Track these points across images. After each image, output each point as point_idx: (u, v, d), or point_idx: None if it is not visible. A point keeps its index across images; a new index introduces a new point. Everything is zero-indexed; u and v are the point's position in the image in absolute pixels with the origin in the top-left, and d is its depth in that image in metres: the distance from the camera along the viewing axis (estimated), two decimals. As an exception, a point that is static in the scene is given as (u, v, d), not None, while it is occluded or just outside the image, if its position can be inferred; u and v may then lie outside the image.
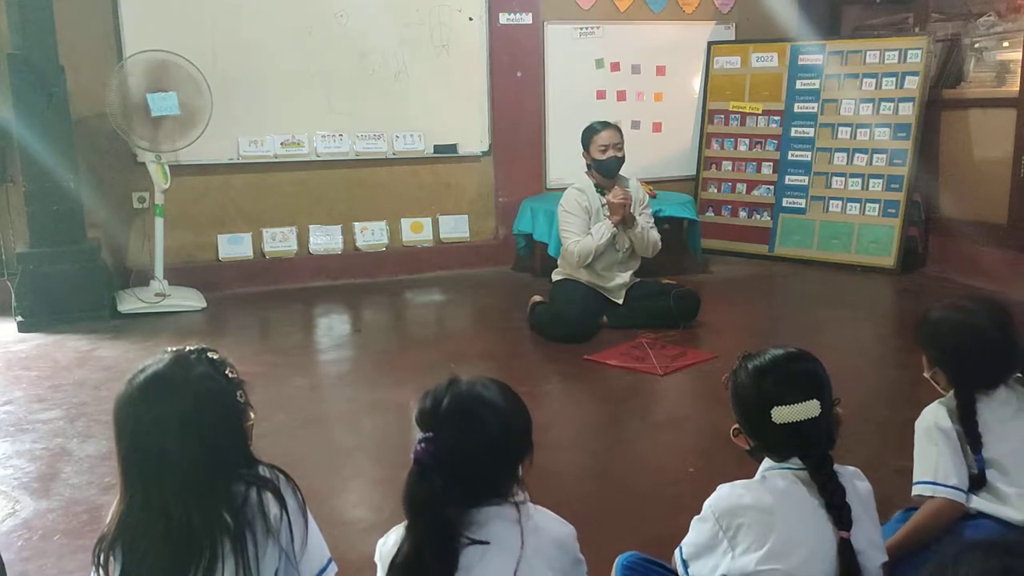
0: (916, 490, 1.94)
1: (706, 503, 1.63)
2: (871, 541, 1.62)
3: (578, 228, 4.39)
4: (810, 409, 1.58)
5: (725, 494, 1.61)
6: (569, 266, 4.52)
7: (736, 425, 1.71)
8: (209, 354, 1.53)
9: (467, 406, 1.45)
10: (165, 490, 1.40)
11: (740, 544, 1.56)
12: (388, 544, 1.49)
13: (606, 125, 4.46)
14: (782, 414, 1.57)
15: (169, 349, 1.53)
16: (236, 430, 1.51)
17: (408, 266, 6.01)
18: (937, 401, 2.00)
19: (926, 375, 2.06)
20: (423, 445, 1.40)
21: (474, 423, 1.44)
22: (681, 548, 1.69)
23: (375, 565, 1.66)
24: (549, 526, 1.52)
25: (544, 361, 4.16)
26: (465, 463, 1.41)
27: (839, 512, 1.55)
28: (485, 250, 6.21)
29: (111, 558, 1.42)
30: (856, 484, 1.63)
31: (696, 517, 1.66)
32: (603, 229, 4.34)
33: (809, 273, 5.87)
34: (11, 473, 2.94)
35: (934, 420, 1.95)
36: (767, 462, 1.66)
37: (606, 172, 4.40)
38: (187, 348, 1.54)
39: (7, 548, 2.39)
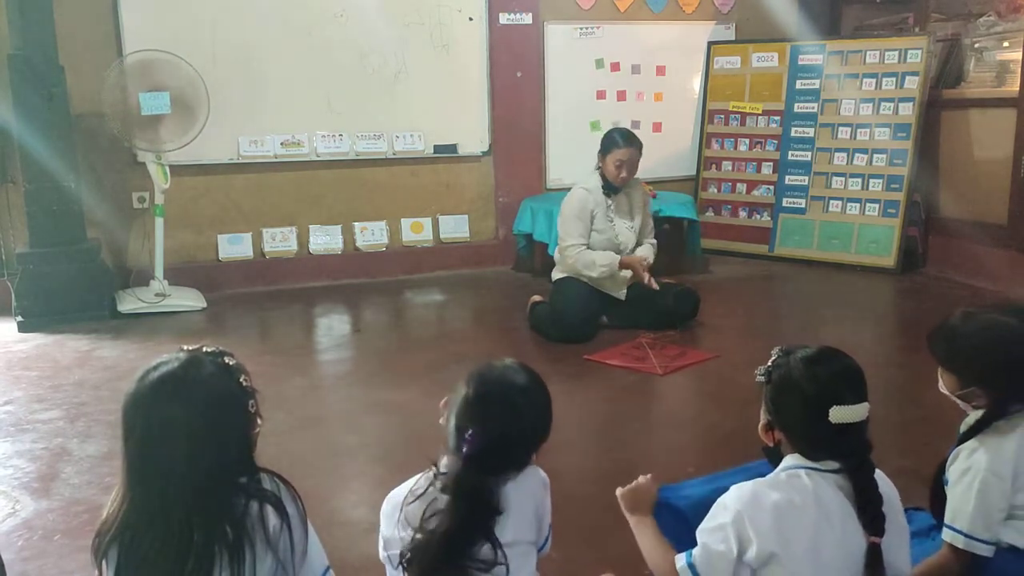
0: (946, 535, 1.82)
1: (726, 500, 1.56)
2: (899, 548, 1.59)
3: (579, 232, 4.39)
4: (864, 411, 1.54)
5: (748, 491, 1.55)
6: (567, 266, 4.52)
7: (767, 419, 1.65)
8: (225, 359, 1.50)
9: (503, 397, 1.61)
10: (168, 495, 1.38)
11: (757, 543, 1.50)
12: (398, 497, 1.63)
13: (629, 141, 4.38)
14: (841, 414, 1.52)
15: (184, 348, 1.49)
16: (243, 438, 1.48)
17: (408, 266, 6.01)
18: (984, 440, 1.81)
19: (948, 394, 1.90)
20: (471, 439, 1.54)
21: (512, 414, 1.59)
22: (691, 555, 1.59)
23: (376, 566, 1.67)
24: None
25: (544, 361, 4.15)
26: (504, 449, 1.58)
27: (872, 518, 1.51)
28: (485, 250, 6.21)
29: (106, 557, 1.41)
30: (885, 490, 1.58)
31: (711, 522, 1.57)
32: (611, 262, 4.33)
33: (809, 273, 5.87)
34: (11, 473, 2.94)
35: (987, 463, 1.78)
36: (792, 459, 1.60)
37: (611, 189, 4.43)
38: (203, 349, 1.50)
39: (7, 548, 2.39)
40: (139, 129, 4.88)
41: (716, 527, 1.55)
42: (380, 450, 3.16)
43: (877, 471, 1.59)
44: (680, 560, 1.60)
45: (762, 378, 1.65)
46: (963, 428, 1.87)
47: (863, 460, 1.54)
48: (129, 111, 4.84)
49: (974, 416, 1.85)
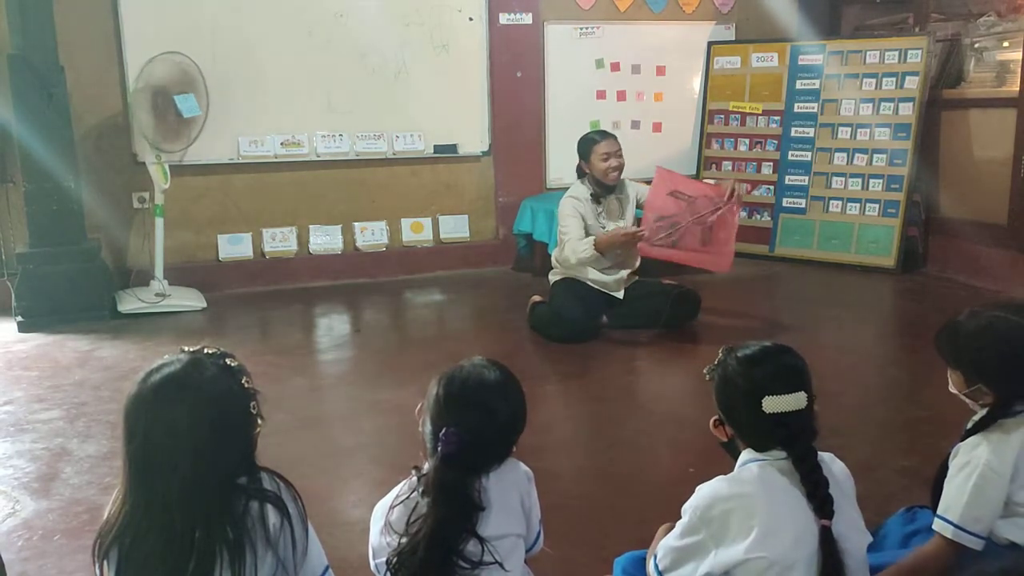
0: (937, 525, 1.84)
1: (686, 506, 1.64)
2: (853, 525, 1.63)
3: (576, 229, 4.38)
4: (799, 400, 1.60)
5: (705, 492, 1.62)
6: (562, 266, 4.51)
7: (717, 416, 1.73)
8: (227, 360, 1.50)
9: (474, 394, 1.63)
10: (169, 496, 1.38)
11: (725, 537, 1.56)
12: (384, 506, 1.64)
13: (604, 135, 4.43)
14: (773, 403, 1.59)
15: (186, 349, 1.49)
16: (245, 439, 1.49)
17: (408, 266, 6.01)
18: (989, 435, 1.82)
19: (957, 392, 1.90)
20: (446, 439, 1.56)
21: (484, 410, 1.61)
22: (656, 560, 1.68)
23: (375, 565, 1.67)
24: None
25: (544, 361, 4.15)
26: (481, 446, 1.59)
27: (821, 502, 1.57)
28: (485, 250, 6.21)
29: (107, 558, 1.41)
30: (833, 469, 1.65)
31: (679, 523, 1.66)
32: (588, 248, 4.25)
33: (809, 273, 5.87)
34: (11, 473, 2.94)
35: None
36: (745, 455, 1.67)
37: (607, 189, 4.40)
38: (205, 350, 1.50)
39: (7, 548, 2.39)
40: (146, 130, 4.88)
41: (680, 535, 1.63)
42: (380, 450, 3.16)
43: (833, 458, 1.67)
44: None
45: (708, 377, 1.73)
46: (968, 426, 1.88)
47: (806, 447, 1.60)
48: (138, 113, 4.84)
49: (979, 414, 1.86)
